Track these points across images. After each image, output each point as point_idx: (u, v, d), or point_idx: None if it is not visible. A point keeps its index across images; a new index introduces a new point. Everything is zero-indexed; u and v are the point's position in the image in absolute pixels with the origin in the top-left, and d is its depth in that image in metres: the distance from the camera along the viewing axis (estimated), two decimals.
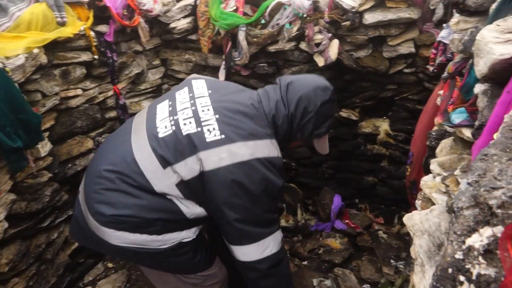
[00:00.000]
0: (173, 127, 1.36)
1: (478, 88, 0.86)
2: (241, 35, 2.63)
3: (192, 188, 1.32)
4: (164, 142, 1.34)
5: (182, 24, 2.82)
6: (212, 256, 1.60)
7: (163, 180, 1.32)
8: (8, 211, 1.82)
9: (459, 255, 0.41)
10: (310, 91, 1.43)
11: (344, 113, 2.78)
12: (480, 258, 0.39)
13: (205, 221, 1.49)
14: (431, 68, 1.78)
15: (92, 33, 2.34)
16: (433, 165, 1.17)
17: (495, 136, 0.57)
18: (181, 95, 1.49)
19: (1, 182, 1.78)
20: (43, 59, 2.03)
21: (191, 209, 1.37)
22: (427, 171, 1.41)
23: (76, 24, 2.23)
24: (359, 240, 2.64)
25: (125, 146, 1.41)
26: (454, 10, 1.72)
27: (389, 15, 2.35)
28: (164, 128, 1.37)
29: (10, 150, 1.65)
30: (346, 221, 2.75)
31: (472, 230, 0.41)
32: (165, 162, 1.31)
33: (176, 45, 3.06)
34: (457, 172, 0.78)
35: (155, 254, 1.39)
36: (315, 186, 3.09)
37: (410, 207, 2.53)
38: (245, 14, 2.67)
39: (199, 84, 1.51)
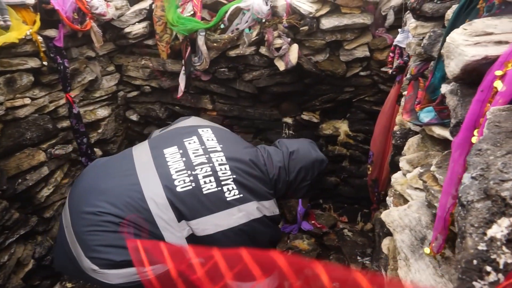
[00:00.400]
0: (193, 184, 1.42)
1: (445, 88, 0.92)
2: (201, 40, 2.60)
3: (201, 243, 1.35)
4: (182, 197, 1.39)
5: (137, 28, 2.73)
6: None
7: (174, 232, 1.36)
8: None
9: (482, 247, 0.43)
10: (309, 163, 1.71)
11: (305, 116, 2.84)
12: (504, 248, 0.41)
13: None
14: (390, 71, 1.88)
15: (39, 38, 2.19)
16: (402, 163, 1.23)
17: (475, 132, 0.60)
18: (191, 145, 1.56)
19: None
20: None
21: None
22: (394, 169, 1.48)
23: (22, 28, 2.07)
24: (326, 240, 2.70)
25: (133, 189, 1.38)
26: (407, 16, 1.83)
27: (345, 21, 2.44)
28: (182, 183, 1.42)
29: None
30: (313, 221, 2.80)
31: (489, 222, 0.43)
32: (181, 216, 1.35)
33: (131, 51, 2.96)
34: (433, 168, 0.82)
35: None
36: None
37: (372, 205, 2.64)
38: (203, 18, 2.64)
39: (208, 135, 1.62)
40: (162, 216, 1.34)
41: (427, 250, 0.78)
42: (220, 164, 1.48)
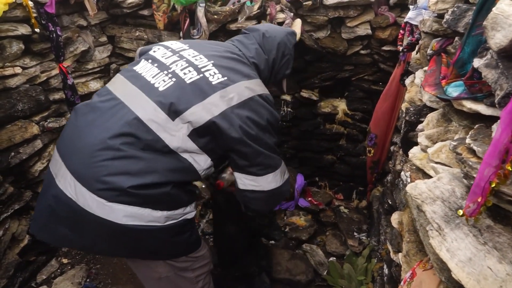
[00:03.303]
0: (173, 79, 1.34)
1: (478, 62, 0.91)
2: (200, 12, 2.51)
3: (205, 135, 1.32)
4: (168, 93, 1.31)
5: None
6: (200, 237, 1.60)
7: (174, 133, 1.29)
8: None
9: None
10: (284, 37, 1.63)
11: (304, 94, 2.82)
12: None
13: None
14: (400, 48, 1.87)
15: (30, 3, 2.06)
16: (421, 138, 1.23)
17: None
18: (157, 52, 1.47)
19: None
20: None
21: (203, 164, 1.37)
22: (406, 145, 1.49)
23: None
24: (322, 216, 2.75)
25: (121, 111, 1.30)
26: None
27: None
28: (163, 82, 1.34)
29: None
30: (309, 198, 2.84)
31: None
32: (174, 114, 1.29)
33: (125, 21, 2.83)
34: (468, 140, 0.83)
35: (161, 231, 1.31)
36: None
37: (368, 184, 2.69)
38: None
39: (171, 42, 1.53)
40: (154, 119, 1.28)
41: (460, 212, 0.79)
42: (193, 57, 1.41)
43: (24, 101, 2.11)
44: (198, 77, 1.34)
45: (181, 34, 2.63)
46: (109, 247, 1.35)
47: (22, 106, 2.10)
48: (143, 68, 1.42)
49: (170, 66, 1.38)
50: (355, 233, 2.54)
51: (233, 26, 2.58)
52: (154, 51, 1.48)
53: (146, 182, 1.24)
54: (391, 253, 1.56)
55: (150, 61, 1.44)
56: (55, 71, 2.33)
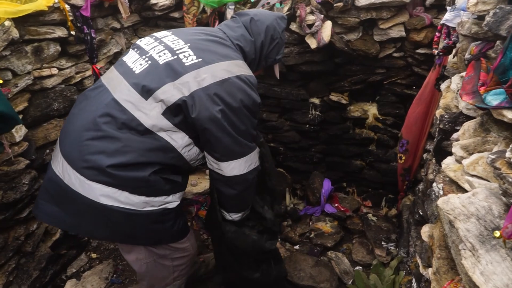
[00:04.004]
0: (149, 62, 1.40)
1: None
2: (230, 14, 2.51)
3: (178, 113, 1.34)
4: (142, 75, 1.37)
5: (164, 0, 2.65)
6: (187, 229, 1.64)
7: (148, 112, 1.33)
8: None
9: None
10: (273, 21, 1.61)
11: (333, 97, 2.76)
12: None
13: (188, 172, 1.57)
14: (435, 51, 1.78)
15: (67, 6, 2.13)
16: (455, 148, 1.16)
17: None
18: (143, 41, 1.54)
19: None
20: (15, 33, 1.82)
21: (180, 142, 1.40)
22: (441, 155, 1.41)
23: None
24: (349, 224, 2.67)
25: (103, 94, 1.40)
26: None
27: None
28: (139, 66, 1.41)
29: None
30: (336, 204, 2.77)
31: None
32: (146, 93, 1.33)
33: (156, 23, 2.88)
34: (508, 154, 0.76)
35: (139, 217, 1.36)
36: (304, 170, 3.07)
37: (399, 192, 2.58)
38: None
39: (159, 32, 1.58)
40: (128, 99, 1.34)
41: (496, 233, 0.73)
42: (171, 41, 1.45)
43: (59, 100, 2.19)
44: (172, 58, 1.36)
45: None
46: (92, 227, 1.41)
47: (58, 105, 2.18)
48: (128, 56, 1.50)
49: (149, 51, 1.44)
50: (383, 243, 2.45)
51: None
52: (141, 41, 1.55)
53: (122, 161, 1.30)
54: (421, 267, 1.48)
55: (135, 49, 1.51)
56: (89, 72, 2.41)
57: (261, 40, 1.56)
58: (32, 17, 1.96)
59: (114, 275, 2.29)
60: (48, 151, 2.12)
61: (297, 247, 2.54)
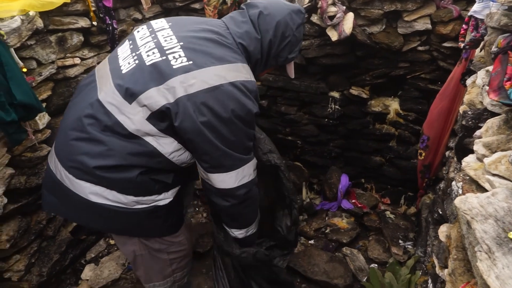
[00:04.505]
0: (136, 61, 1.29)
1: None
2: None
3: (164, 119, 1.24)
4: (127, 76, 1.27)
5: None
6: (181, 222, 1.58)
7: (131, 117, 1.24)
8: (6, 186, 1.73)
9: None
10: (287, 15, 1.41)
11: (354, 91, 2.70)
12: None
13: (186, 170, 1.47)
14: (461, 44, 1.70)
15: None
16: (477, 146, 1.11)
17: None
18: (140, 32, 1.42)
19: None
20: (39, 23, 1.87)
21: (168, 148, 1.30)
22: (462, 153, 1.36)
23: None
24: (366, 220, 2.62)
25: (92, 91, 1.33)
26: None
27: None
28: (127, 65, 1.31)
29: (5, 122, 1.52)
30: (353, 200, 2.73)
31: None
32: (130, 97, 1.24)
33: (178, 14, 2.89)
34: None
35: (129, 214, 1.33)
36: (321, 165, 3.04)
37: (419, 190, 2.51)
38: None
39: (158, 21, 1.45)
40: (111, 101, 1.26)
41: (511, 234, 0.69)
42: (165, 37, 1.32)
43: None
44: (160, 59, 1.25)
45: None
46: (86, 219, 1.41)
47: None
48: (122, 49, 1.41)
49: (139, 48, 1.33)
50: (400, 241, 2.40)
51: None
52: (138, 31, 1.44)
53: (107, 164, 1.25)
54: (437, 268, 1.44)
55: (130, 41, 1.41)
56: None
57: (269, 38, 1.39)
58: (56, 7, 2.01)
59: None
60: None
61: (312, 241, 2.53)
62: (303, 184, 2.92)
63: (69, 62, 2.15)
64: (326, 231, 2.57)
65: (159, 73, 1.22)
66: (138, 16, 2.66)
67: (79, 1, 2.13)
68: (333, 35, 2.41)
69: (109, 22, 2.32)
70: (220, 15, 2.67)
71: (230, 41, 1.35)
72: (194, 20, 1.46)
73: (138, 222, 1.38)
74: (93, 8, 2.21)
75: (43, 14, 1.92)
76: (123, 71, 1.30)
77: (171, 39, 1.31)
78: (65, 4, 2.03)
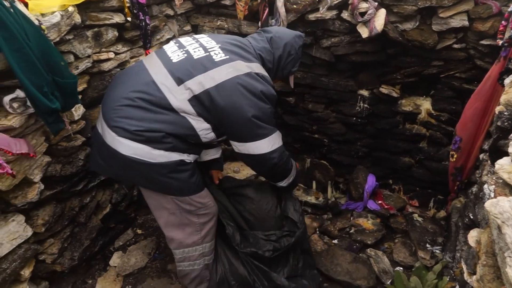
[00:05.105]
0: (185, 55, 1.71)
1: None
2: (280, 2, 2.49)
3: (203, 102, 1.62)
4: (178, 65, 1.68)
5: None
6: (203, 184, 1.87)
7: (177, 96, 1.62)
8: (43, 173, 1.81)
9: None
10: (291, 39, 1.91)
11: (384, 89, 2.64)
12: None
13: (204, 146, 1.85)
14: (500, 42, 1.63)
15: None
16: None
17: None
18: (183, 38, 1.86)
19: (37, 143, 1.75)
20: (77, 18, 1.94)
21: (199, 125, 1.67)
22: (496, 155, 1.30)
23: None
24: (392, 222, 2.56)
25: (143, 75, 1.70)
26: None
27: None
28: (177, 56, 1.72)
29: (47, 111, 1.60)
30: (380, 201, 2.67)
31: None
32: (179, 80, 1.63)
33: (208, 11, 2.93)
34: None
35: (159, 167, 1.63)
36: (348, 164, 2.99)
37: (450, 193, 2.43)
38: None
39: (195, 36, 1.89)
40: (164, 83, 1.63)
41: None
42: (206, 41, 1.78)
43: None
44: (204, 54, 1.69)
45: (259, 24, 2.64)
46: (126, 174, 1.75)
47: None
48: (168, 46, 1.83)
49: (186, 46, 1.76)
50: (427, 245, 2.33)
51: (312, 17, 2.51)
52: (182, 37, 1.89)
53: (146, 128, 1.58)
54: (465, 274, 1.39)
55: (175, 42, 1.83)
56: (142, 57, 2.52)
57: (279, 53, 1.86)
58: (93, 3, 2.08)
59: (157, 252, 2.42)
60: None
61: (335, 241, 2.50)
62: (329, 183, 2.89)
63: (104, 56, 2.23)
64: (351, 231, 2.53)
65: (203, 64, 1.65)
66: (170, 12, 2.71)
67: None
68: (364, 32, 2.37)
69: (143, 18, 2.38)
70: (250, 11, 2.68)
71: (252, 51, 1.82)
72: (224, 36, 1.94)
73: (168, 175, 1.66)
74: (127, 4, 2.27)
75: (81, 10, 2.00)
76: (174, 61, 1.70)
77: (211, 42, 1.78)
78: (100, 0, 2.11)
